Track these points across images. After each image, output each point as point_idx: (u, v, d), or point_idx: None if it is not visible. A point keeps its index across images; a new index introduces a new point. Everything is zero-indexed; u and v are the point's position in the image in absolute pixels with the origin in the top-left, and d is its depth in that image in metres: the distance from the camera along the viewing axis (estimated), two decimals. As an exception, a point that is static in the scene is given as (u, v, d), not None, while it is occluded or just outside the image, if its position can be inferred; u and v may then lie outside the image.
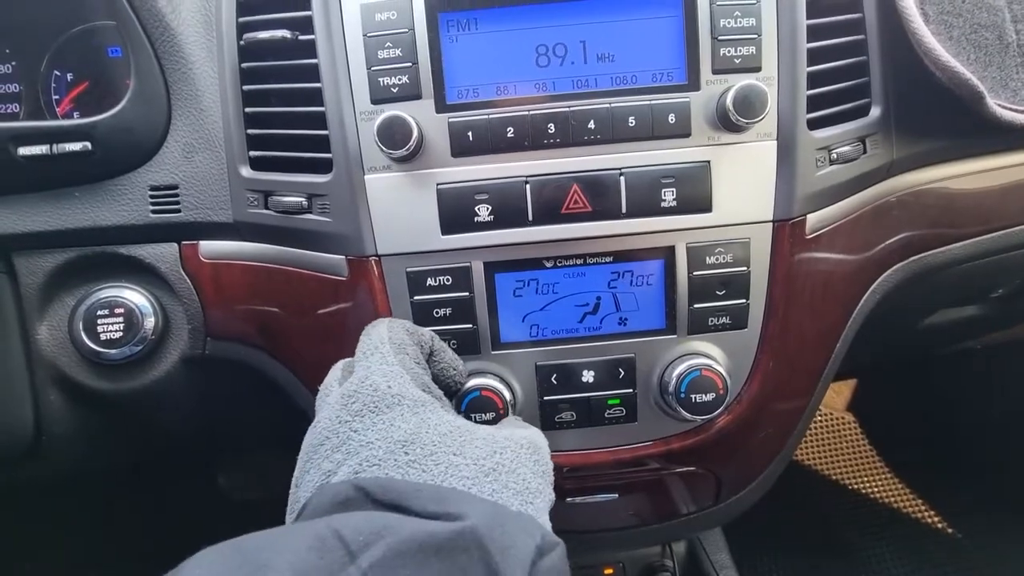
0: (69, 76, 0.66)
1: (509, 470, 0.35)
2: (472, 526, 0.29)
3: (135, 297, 0.59)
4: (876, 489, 1.38)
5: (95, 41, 0.64)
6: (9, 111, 0.61)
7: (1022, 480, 1.20)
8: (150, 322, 0.59)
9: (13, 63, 0.63)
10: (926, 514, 1.31)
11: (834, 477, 1.42)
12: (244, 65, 0.53)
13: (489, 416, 0.51)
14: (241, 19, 0.53)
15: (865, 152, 0.55)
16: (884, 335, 0.86)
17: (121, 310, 0.58)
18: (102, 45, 0.64)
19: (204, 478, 1.27)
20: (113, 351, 0.58)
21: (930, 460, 1.38)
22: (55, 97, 0.67)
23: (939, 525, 1.29)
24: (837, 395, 1.56)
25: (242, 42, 0.53)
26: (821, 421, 1.51)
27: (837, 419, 1.51)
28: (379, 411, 0.36)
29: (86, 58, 0.64)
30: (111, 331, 0.58)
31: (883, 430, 1.46)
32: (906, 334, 0.88)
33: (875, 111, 0.55)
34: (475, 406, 0.51)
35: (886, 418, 1.48)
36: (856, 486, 1.40)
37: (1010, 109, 0.55)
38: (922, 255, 0.62)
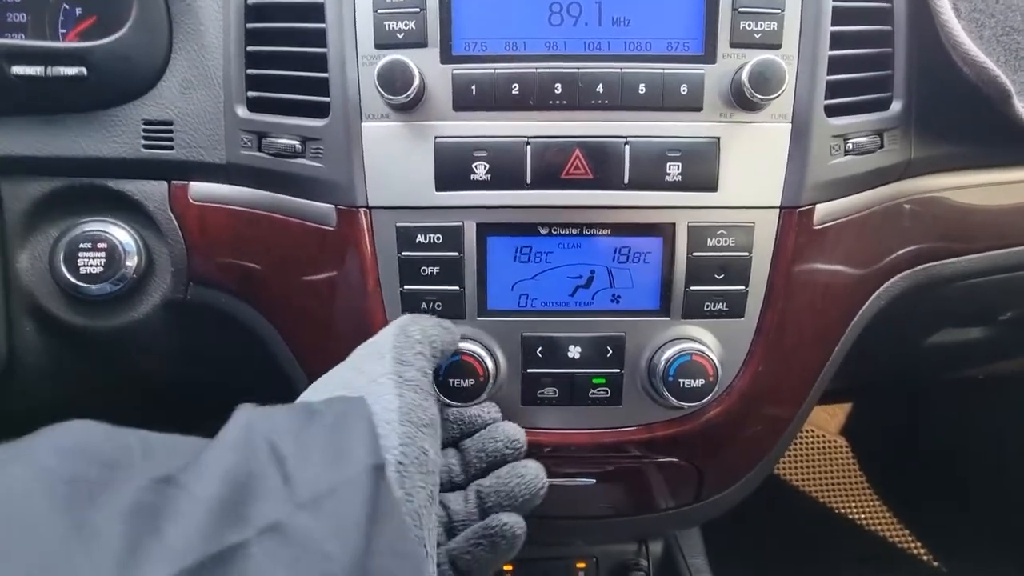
0: (78, 10, 0.65)
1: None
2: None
3: (119, 233, 0.57)
4: (864, 515, 1.36)
5: (108, -24, 0.63)
6: (14, 40, 0.60)
7: (1017, 521, 1.18)
8: (132, 260, 0.57)
9: (23, -7, 0.62)
10: (913, 545, 1.29)
11: (822, 500, 1.40)
12: (250, 1, 0.52)
13: (468, 383, 0.50)
14: (251, -46, 0.51)
15: (882, 147, 0.53)
16: (886, 349, 0.84)
17: (104, 245, 0.57)
18: (115, -19, 0.63)
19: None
20: (92, 286, 0.57)
21: (922, 490, 1.35)
22: (62, 31, 0.66)
23: (925, 557, 1.26)
24: (831, 418, 1.53)
25: (249, -22, 0.51)
26: (813, 443, 1.48)
27: (829, 442, 1.49)
28: None
29: (97, -8, 0.63)
30: (91, 265, 0.57)
31: (875, 456, 1.43)
32: (909, 351, 0.86)
33: (896, 105, 0.53)
34: (454, 371, 0.49)
35: (879, 444, 1.46)
36: (844, 510, 1.37)
37: (1037, 115, 0.53)
38: (930, 264, 0.60)
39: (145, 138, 0.55)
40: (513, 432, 0.48)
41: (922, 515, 1.32)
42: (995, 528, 1.22)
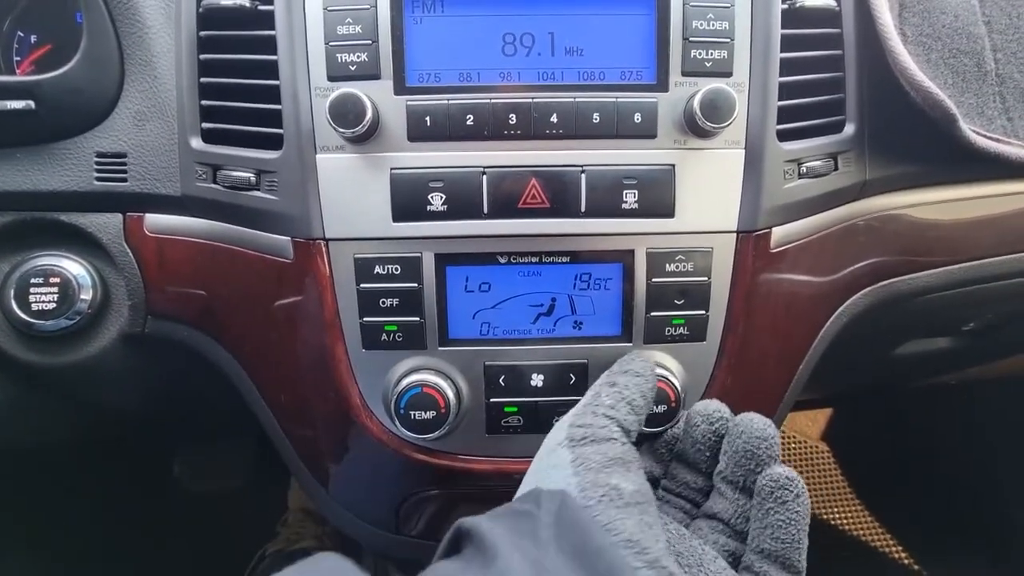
0: (33, 38, 0.64)
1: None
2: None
3: (73, 267, 0.56)
4: (846, 521, 1.37)
5: (63, 4, 0.62)
6: (-44, 75, 0.59)
7: (993, 525, 1.19)
8: (87, 294, 0.56)
9: (-26, 21, 0.61)
10: (894, 550, 1.30)
11: (804, 505, 1.40)
12: (202, 33, 0.51)
13: (429, 415, 0.49)
14: (202, -14, 0.51)
15: (836, 169, 0.54)
16: (854, 362, 0.85)
17: (57, 280, 0.55)
18: (70, 9, 0.62)
19: (158, 467, 1.23)
20: (46, 322, 0.55)
21: (903, 495, 1.37)
22: (16, 58, 0.65)
23: (906, 561, 1.28)
24: (812, 424, 1.54)
25: (201, 9, 0.51)
26: (794, 449, 1.49)
27: (811, 448, 1.50)
28: None
29: (52, 21, 0.62)
30: (44, 301, 0.55)
31: (857, 461, 1.45)
32: (877, 363, 0.87)
33: (849, 128, 0.54)
34: (414, 404, 0.49)
35: (861, 449, 1.47)
36: (826, 516, 1.38)
37: (984, 136, 0.54)
38: (890, 281, 0.61)
39: (98, 170, 0.54)
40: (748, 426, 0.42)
41: (902, 517, 1.33)
42: (973, 528, 1.24)
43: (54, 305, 0.55)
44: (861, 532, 1.34)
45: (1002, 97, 0.57)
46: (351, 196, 0.48)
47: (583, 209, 0.48)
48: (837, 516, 1.38)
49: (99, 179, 0.54)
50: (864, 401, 1.42)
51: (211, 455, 1.25)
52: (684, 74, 0.47)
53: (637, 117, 0.47)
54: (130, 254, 0.55)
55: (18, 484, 0.93)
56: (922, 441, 1.38)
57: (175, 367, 0.65)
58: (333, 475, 0.62)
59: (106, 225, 0.55)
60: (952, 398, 1.26)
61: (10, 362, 0.57)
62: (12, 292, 0.55)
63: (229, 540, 1.14)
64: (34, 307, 0.55)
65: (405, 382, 0.49)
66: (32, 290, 0.55)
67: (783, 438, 1.50)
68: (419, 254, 0.49)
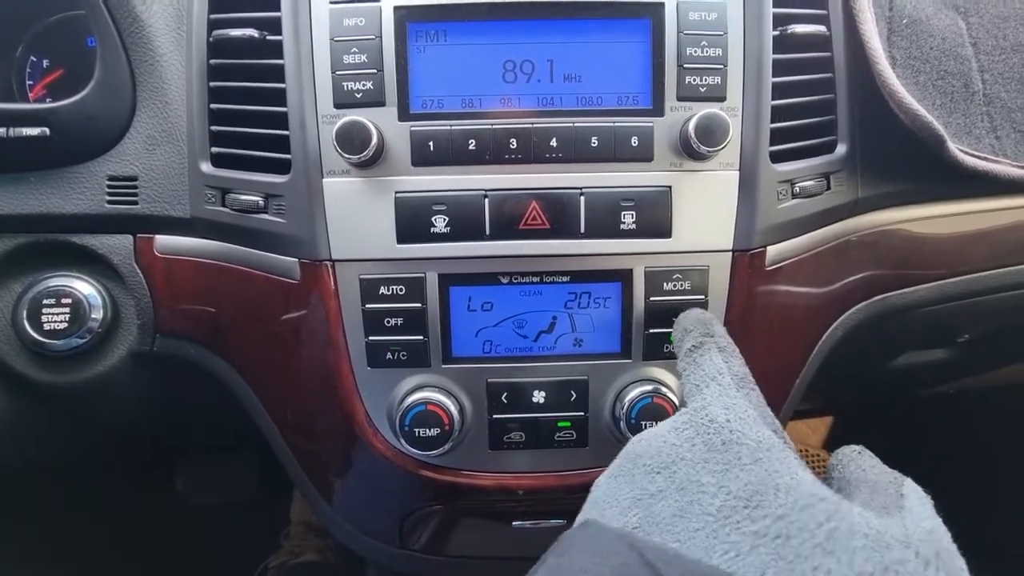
0: (45, 63, 0.66)
1: None
2: None
3: (84, 287, 0.57)
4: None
5: (75, 30, 0.63)
6: (-29, 102, 0.61)
7: (995, 532, 1.19)
8: (98, 314, 0.57)
9: (-12, 47, 0.63)
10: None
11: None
12: (212, 61, 0.53)
13: (434, 432, 0.50)
14: (212, 16, 0.52)
15: (829, 188, 0.55)
16: (852, 374, 0.86)
17: (68, 300, 0.56)
18: (82, 34, 0.64)
19: (161, 480, 1.23)
20: (57, 342, 0.57)
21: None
22: (29, 82, 0.66)
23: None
24: (812, 432, 1.55)
25: (211, 39, 0.52)
26: (795, 457, 1.50)
27: (812, 456, 1.50)
28: (712, 448, 0.30)
29: (64, 46, 0.64)
30: (56, 321, 0.56)
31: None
32: (874, 375, 0.88)
33: (841, 149, 0.56)
34: (419, 421, 0.50)
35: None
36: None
37: (972, 155, 0.55)
38: (885, 295, 0.62)
39: (110, 194, 0.55)
40: None
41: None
42: (975, 534, 1.24)
43: (65, 325, 0.56)
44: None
45: (990, 117, 0.59)
46: (357, 219, 0.49)
47: (582, 230, 0.49)
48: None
49: (110, 202, 0.55)
50: (864, 409, 1.43)
51: (214, 468, 1.26)
52: (679, 99, 0.49)
53: (634, 141, 0.49)
54: (140, 274, 0.57)
55: (19, 497, 0.93)
56: (922, 448, 1.39)
57: (181, 384, 0.66)
58: (337, 489, 0.63)
59: (117, 246, 0.57)
60: (951, 406, 1.26)
61: (20, 380, 0.58)
62: (24, 312, 0.56)
63: (232, 553, 1.15)
64: (46, 327, 0.56)
65: (409, 400, 0.50)
66: (44, 310, 0.56)
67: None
68: (423, 275, 0.50)
